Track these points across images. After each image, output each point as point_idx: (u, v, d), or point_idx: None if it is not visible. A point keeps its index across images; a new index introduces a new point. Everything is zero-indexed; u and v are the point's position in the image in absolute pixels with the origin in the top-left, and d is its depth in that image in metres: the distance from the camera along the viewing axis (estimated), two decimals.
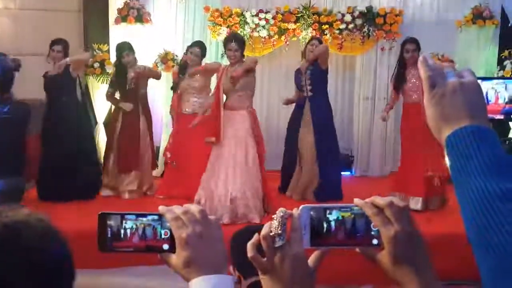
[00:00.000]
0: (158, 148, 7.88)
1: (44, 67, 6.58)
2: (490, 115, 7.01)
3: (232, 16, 7.89)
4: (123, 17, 7.85)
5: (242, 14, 7.91)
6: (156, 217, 1.03)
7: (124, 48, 6.59)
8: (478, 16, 7.94)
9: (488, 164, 0.84)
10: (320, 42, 6.70)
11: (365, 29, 7.95)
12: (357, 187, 6.36)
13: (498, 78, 7.43)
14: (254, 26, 7.85)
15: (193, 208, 1.04)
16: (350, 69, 8.38)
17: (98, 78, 7.69)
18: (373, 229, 0.98)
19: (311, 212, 1.00)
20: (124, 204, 6.23)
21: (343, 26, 7.90)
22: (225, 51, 6.01)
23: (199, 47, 6.65)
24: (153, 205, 5.84)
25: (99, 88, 7.68)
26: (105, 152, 6.88)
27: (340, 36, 7.82)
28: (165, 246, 1.02)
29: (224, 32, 7.88)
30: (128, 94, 6.63)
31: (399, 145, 8.43)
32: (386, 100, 8.30)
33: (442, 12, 8.26)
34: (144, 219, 1.03)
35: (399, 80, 6.25)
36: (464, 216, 0.86)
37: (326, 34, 7.71)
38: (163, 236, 1.02)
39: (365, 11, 7.95)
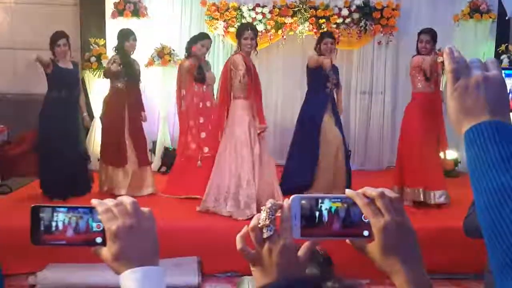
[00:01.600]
0: (154, 142, 7.88)
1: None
2: None
3: (229, 10, 7.87)
4: (119, 11, 7.82)
5: (239, 8, 7.90)
6: (87, 210, 1.01)
7: (129, 34, 6.50)
8: (475, 10, 7.94)
9: (505, 158, 0.84)
10: (333, 38, 6.49)
11: (362, 23, 7.95)
12: (354, 181, 6.35)
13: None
14: (251, 20, 7.83)
15: (125, 200, 1.03)
16: (347, 63, 8.36)
17: (95, 72, 7.67)
18: (364, 220, 0.98)
19: (303, 201, 0.99)
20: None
21: (340, 20, 7.90)
22: (239, 40, 5.85)
23: (208, 40, 6.57)
24: (157, 203, 5.90)
25: (96, 82, 7.65)
26: (104, 146, 6.60)
27: (337, 31, 7.80)
28: (98, 240, 1.01)
29: (221, 26, 7.87)
30: (133, 82, 6.51)
31: (396, 139, 8.50)
32: (383, 95, 8.34)
33: (439, 6, 8.26)
34: (76, 211, 1.01)
35: None
36: (478, 208, 0.86)
37: (323, 29, 7.70)
38: (95, 229, 1.01)
39: (362, 5, 7.94)
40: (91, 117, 7.67)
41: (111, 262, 1.00)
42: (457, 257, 5.00)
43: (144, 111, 6.62)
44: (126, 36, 6.48)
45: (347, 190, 1.00)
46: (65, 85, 6.22)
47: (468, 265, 4.82)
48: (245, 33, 5.79)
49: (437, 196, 5.96)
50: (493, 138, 0.86)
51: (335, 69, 6.52)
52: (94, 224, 1.01)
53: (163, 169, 7.63)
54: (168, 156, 7.57)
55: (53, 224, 1.01)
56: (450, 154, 7.26)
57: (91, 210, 1.01)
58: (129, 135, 6.44)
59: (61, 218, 1.01)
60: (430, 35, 6.07)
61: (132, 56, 6.59)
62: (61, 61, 6.24)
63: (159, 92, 7.90)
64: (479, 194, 0.86)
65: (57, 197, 5.94)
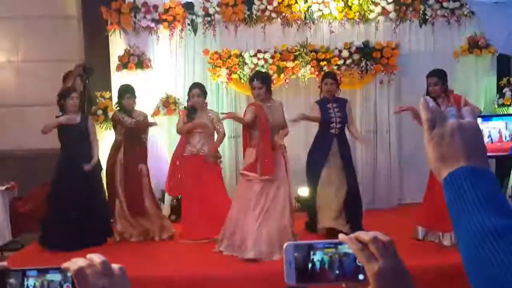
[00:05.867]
0: (163, 191, 7.90)
1: (46, 117, 6.65)
2: (498, 153, 6.98)
3: (231, 58, 7.98)
4: (124, 64, 7.97)
5: (240, 55, 8.01)
6: (57, 272, 0.98)
7: (126, 91, 6.71)
8: (475, 46, 8.03)
9: (482, 202, 0.87)
10: (334, 79, 6.62)
11: (363, 64, 8.03)
12: (365, 220, 6.33)
13: (497, 115, 7.43)
14: (253, 66, 7.94)
15: (96, 259, 0.99)
16: (351, 103, 8.39)
17: (102, 125, 7.76)
18: (359, 264, 0.99)
19: (296, 254, 1.00)
20: (141, 249, 6.24)
21: (341, 62, 7.99)
22: (251, 89, 6.06)
23: (197, 88, 6.70)
24: (175, 249, 6.03)
25: (103, 135, 7.73)
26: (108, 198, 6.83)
27: (339, 72, 7.88)
28: None
29: (224, 73, 7.97)
30: (129, 137, 6.67)
31: (404, 176, 8.49)
32: (389, 132, 8.35)
33: (439, 42, 8.36)
34: (47, 275, 0.97)
35: None
36: (460, 251, 0.88)
37: (324, 71, 7.78)
38: None
39: (362, 46, 8.04)
40: (100, 168, 7.75)
41: None
42: None
43: (145, 163, 6.73)
44: (122, 94, 6.74)
45: (340, 235, 1.01)
46: (73, 139, 6.32)
47: None
48: (251, 83, 5.98)
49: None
50: (469, 183, 0.89)
51: (340, 105, 6.52)
52: (65, 285, 0.97)
53: (173, 217, 7.62)
54: (178, 204, 7.58)
55: None
56: None
57: (62, 271, 0.98)
58: (120, 186, 6.62)
59: (31, 283, 0.96)
60: (437, 77, 6.08)
61: (137, 109, 6.75)
62: (70, 115, 6.36)
63: (166, 141, 7.97)
64: (459, 237, 0.89)
65: (63, 249, 5.91)
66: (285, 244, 1.01)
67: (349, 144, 6.68)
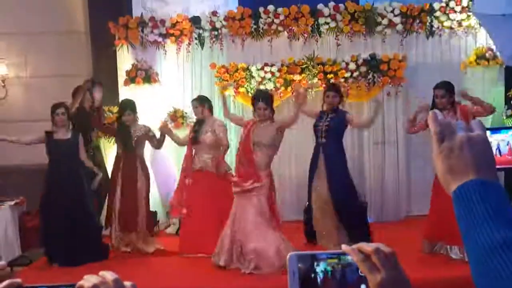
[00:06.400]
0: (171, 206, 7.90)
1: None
2: (507, 166, 6.92)
3: (238, 71, 8.01)
4: (131, 78, 8.03)
5: (247, 69, 8.03)
6: None
7: (126, 107, 6.78)
8: (482, 57, 8.02)
9: (491, 214, 0.87)
10: (337, 91, 6.58)
11: (370, 76, 8.04)
12: (373, 233, 6.31)
13: (506, 128, 7.37)
14: (260, 79, 7.97)
15: (108, 277, 0.99)
16: (358, 115, 8.38)
17: (110, 139, 7.79)
18: (361, 274, 0.99)
19: (299, 264, 1.01)
20: (139, 264, 6.23)
21: (348, 74, 8.00)
22: (254, 109, 6.11)
23: (195, 100, 6.80)
24: (174, 264, 6.01)
25: (112, 149, 7.76)
26: (107, 212, 6.93)
27: (346, 84, 7.88)
28: None
29: (231, 87, 7.99)
30: (127, 152, 6.73)
31: (412, 189, 8.45)
32: (396, 144, 8.33)
33: (446, 54, 8.35)
34: None
35: None
36: (470, 263, 0.89)
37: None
38: None
39: (369, 58, 8.05)
40: (108, 181, 7.79)
41: None
42: None
43: (144, 176, 6.79)
44: (122, 109, 6.84)
45: (343, 246, 1.02)
46: (62, 156, 6.34)
47: None
48: (257, 104, 5.99)
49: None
50: (479, 196, 0.89)
51: (336, 115, 6.46)
52: None
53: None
54: None
55: None
56: None
57: (73, 287, 0.98)
58: (118, 200, 6.69)
59: None
60: (444, 89, 6.04)
61: (140, 123, 6.84)
62: (59, 131, 6.37)
63: (174, 155, 7.98)
64: (469, 250, 0.89)
65: (64, 264, 6.04)
66: (289, 255, 1.02)
67: (343, 157, 6.52)
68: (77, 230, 6.25)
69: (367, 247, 1.00)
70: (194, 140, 6.62)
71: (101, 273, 1.00)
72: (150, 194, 6.93)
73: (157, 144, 6.95)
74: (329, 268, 1.00)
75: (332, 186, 6.31)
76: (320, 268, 1.00)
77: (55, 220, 6.26)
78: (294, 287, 1.00)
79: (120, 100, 7.98)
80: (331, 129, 6.38)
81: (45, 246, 6.43)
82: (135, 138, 6.70)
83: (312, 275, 1.00)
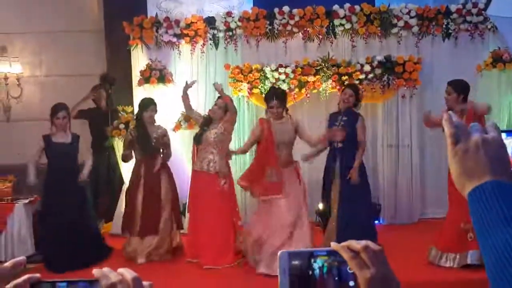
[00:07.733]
0: (184, 205, 7.91)
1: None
2: None
3: (252, 72, 8.00)
4: (145, 78, 8.05)
5: (262, 70, 8.03)
6: (87, 284, 0.94)
7: (149, 104, 6.65)
8: (498, 60, 7.95)
9: (508, 216, 0.86)
10: (355, 91, 6.48)
11: (385, 78, 8.00)
12: (387, 235, 6.27)
13: None
14: (274, 80, 7.96)
15: (127, 275, 0.95)
16: (373, 117, 8.38)
17: (121, 138, 7.81)
18: (349, 271, 1.00)
19: (293, 262, 1.01)
20: (148, 269, 6.24)
21: (362, 76, 7.97)
22: (267, 106, 6.11)
23: (217, 102, 6.59)
24: (182, 270, 6.00)
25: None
26: (127, 216, 6.68)
27: (361, 86, 7.84)
28: None
29: (245, 88, 7.99)
30: (147, 156, 6.60)
31: (426, 191, 8.40)
32: (410, 147, 8.29)
33: (461, 56, 8.28)
34: (76, 286, 0.94)
35: None
36: (486, 266, 0.88)
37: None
38: None
39: (384, 60, 8.01)
40: (122, 182, 7.82)
41: None
42: None
43: (167, 176, 6.67)
44: (145, 106, 6.63)
45: (332, 243, 1.03)
46: (61, 159, 6.35)
47: None
48: (270, 102, 5.97)
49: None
50: (495, 197, 0.89)
51: (350, 119, 6.31)
52: None
53: None
54: None
55: None
56: None
57: (92, 283, 0.95)
58: (141, 205, 6.51)
59: None
60: (451, 86, 6.00)
61: (157, 124, 6.73)
62: (58, 134, 6.36)
63: (187, 155, 7.99)
64: (485, 252, 0.88)
65: (59, 270, 5.90)
66: (279, 252, 1.02)
67: (361, 168, 6.34)
68: (77, 235, 6.26)
69: (356, 244, 1.01)
70: (197, 141, 6.57)
71: (119, 270, 0.97)
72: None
73: (166, 154, 6.72)
74: (325, 265, 1.01)
75: (343, 186, 6.22)
76: (316, 265, 1.01)
77: (54, 225, 6.26)
78: (285, 284, 1.00)
79: (134, 101, 8.03)
80: (347, 133, 6.20)
81: (43, 252, 6.44)
82: (154, 140, 6.56)
83: (304, 273, 1.00)
